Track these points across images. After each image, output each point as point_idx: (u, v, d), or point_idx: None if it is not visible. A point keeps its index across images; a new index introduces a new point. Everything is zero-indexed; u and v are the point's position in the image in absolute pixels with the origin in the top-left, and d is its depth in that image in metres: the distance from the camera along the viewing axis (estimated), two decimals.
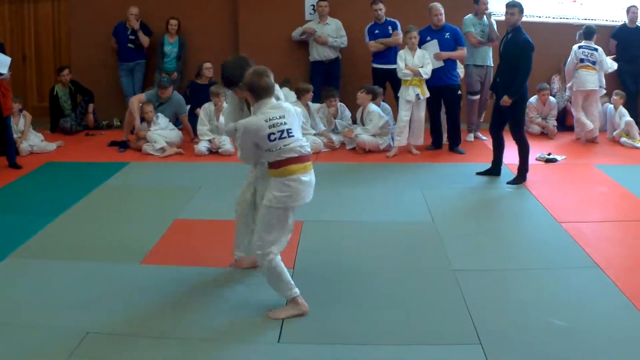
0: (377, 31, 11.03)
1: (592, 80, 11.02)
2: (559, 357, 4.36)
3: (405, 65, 9.78)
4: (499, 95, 8.55)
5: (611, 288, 5.39)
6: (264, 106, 4.80)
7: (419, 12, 10.85)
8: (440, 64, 10.05)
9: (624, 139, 10.93)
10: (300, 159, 4.84)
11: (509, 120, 8.64)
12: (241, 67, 5.05)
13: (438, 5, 10.14)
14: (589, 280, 5.60)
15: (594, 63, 10.97)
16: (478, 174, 8.89)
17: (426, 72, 9.77)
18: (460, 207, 7.71)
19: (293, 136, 4.80)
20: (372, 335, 4.63)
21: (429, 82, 9.91)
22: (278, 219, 4.89)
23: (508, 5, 8.55)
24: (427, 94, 9.89)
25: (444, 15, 10.14)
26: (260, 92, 4.79)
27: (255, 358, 4.37)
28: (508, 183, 8.49)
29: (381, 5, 10.93)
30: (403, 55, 9.87)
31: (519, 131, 8.62)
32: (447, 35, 10.14)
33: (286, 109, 4.86)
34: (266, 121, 4.73)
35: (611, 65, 11.17)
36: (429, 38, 10.12)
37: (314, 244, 6.35)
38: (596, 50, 10.97)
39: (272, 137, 4.73)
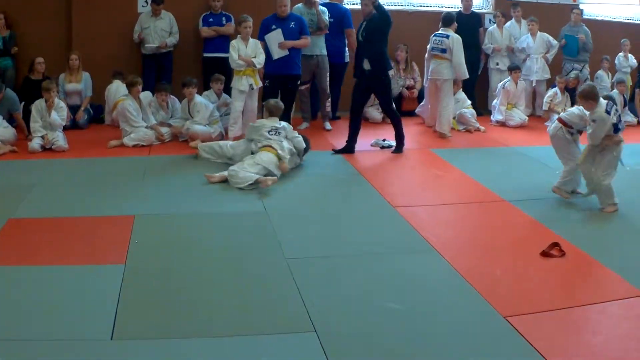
0: (211, 19, 11.33)
1: (438, 69, 10.60)
2: (397, 340, 4.41)
3: (239, 55, 9.75)
4: (371, 76, 9.23)
5: (448, 270, 5.52)
6: None
7: (258, 5, 11.15)
8: (285, 52, 10.03)
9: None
10: None
11: (381, 98, 9.65)
12: None
13: None
14: (425, 263, 5.71)
15: (443, 51, 10.49)
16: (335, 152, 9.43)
17: (259, 62, 9.77)
18: (293, 195, 7.63)
19: None
20: (206, 328, 4.58)
21: (273, 71, 10.01)
22: None
23: None
24: (260, 84, 9.97)
25: (288, 7, 10.15)
26: None
27: (86, 356, 4.19)
28: (393, 152, 9.48)
29: None
30: (236, 45, 9.80)
31: (391, 105, 9.63)
32: (292, 24, 10.11)
33: None
34: None
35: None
36: (273, 26, 10.05)
37: (147, 239, 6.18)
38: (447, 37, 10.47)
39: None
